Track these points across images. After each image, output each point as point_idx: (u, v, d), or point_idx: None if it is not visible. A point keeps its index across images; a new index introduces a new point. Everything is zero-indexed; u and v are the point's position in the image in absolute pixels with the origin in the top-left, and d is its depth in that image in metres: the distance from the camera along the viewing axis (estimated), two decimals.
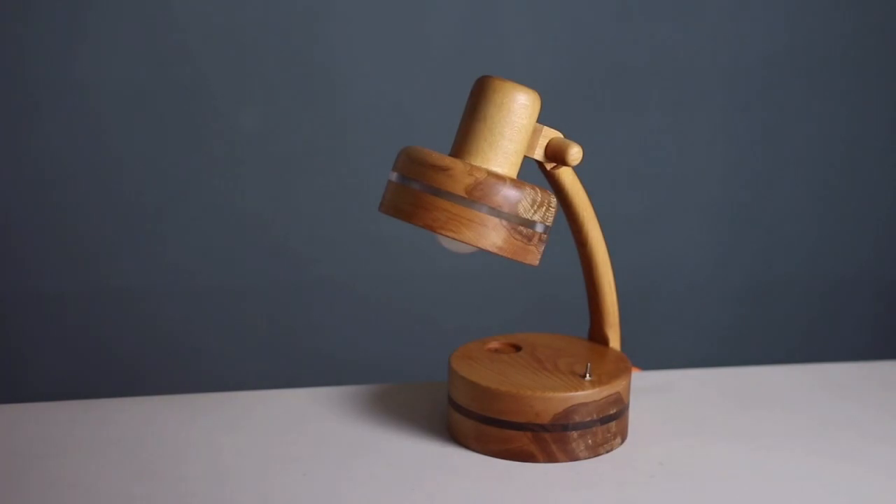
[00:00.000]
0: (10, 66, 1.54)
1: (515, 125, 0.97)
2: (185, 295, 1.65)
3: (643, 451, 1.04)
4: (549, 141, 1.00)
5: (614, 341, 1.11)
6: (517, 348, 1.09)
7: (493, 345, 1.10)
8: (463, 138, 0.97)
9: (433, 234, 0.96)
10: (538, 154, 1.00)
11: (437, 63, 1.61)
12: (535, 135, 0.99)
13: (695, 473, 1.01)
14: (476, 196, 0.93)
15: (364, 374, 1.31)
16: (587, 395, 1.01)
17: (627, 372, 1.05)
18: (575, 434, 1.01)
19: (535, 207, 0.96)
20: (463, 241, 0.94)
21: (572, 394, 1.00)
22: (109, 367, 1.64)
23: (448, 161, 0.94)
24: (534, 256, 0.97)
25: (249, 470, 0.99)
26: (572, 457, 1.01)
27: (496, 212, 0.94)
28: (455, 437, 1.05)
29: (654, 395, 1.15)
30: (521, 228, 0.95)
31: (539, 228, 0.96)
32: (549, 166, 1.01)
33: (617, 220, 1.40)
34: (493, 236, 0.94)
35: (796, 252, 1.79)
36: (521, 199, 0.95)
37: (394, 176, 0.97)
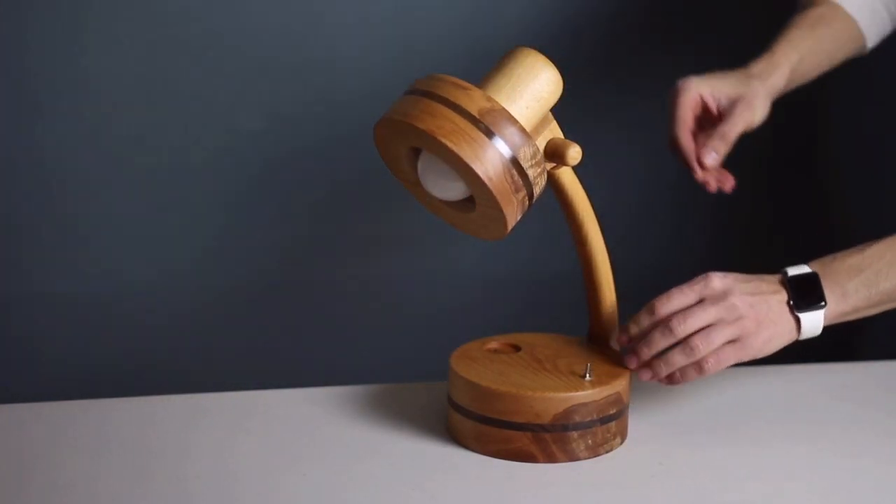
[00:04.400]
0: (10, 65, 1.54)
1: (535, 94, 0.98)
2: (185, 295, 1.65)
3: (643, 451, 1.04)
4: (549, 140, 1.00)
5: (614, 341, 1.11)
6: (517, 348, 1.09)
7: (493, 345, 1.10)
8: (483, 87, 0.98)
9: (430, 209, 0.94)
10: (540, 144, 1.00)
11: (438, 63, 1.61)
12: (544, 121, 1.00)
13: (695, 473, 1.01)
14: (487, 120, 0.94)
15: (364, 374, 1.31)
16: (587, 395, 1.01)
17: (627, 372, 1.05)
18: (575, 434, 1.01)
19: (534, 162, 0.96)
20: (460, 156, 0.93)
21: (572, 394, 1.00)
22: (109, 367, 1.64)
23: (470, 85, 0.95)
24: (512, 211, 0.97)
25: (249, 470, 0.99)
26: (572, 457, 1.01)
27: (499, 143, 0.94)
28: (455, 437, 1.05)
29: (654, 395, 1.15)
30: (515, 174, 0.95)
31: (527, 188, 0.96)
32: (548, 166, 1.01)
33: (617, 220, 1.40)
34: (488, 165, 0.94)
35: (799, 252, 1.79)
36: (524, 146, 0.95)
37: (408, 91, 0.98)
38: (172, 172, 1.61)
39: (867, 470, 1.02)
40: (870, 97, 1.62)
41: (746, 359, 1.02)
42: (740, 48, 1.78)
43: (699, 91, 1.17)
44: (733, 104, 1.17)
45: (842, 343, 1.20)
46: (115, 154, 1.59)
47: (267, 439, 1.05)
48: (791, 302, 1.02)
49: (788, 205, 1.83)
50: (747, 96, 1.17)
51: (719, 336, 1.01)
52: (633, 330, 1.04)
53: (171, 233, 1.63)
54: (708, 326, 1.01)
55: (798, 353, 1.04)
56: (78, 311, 1.63)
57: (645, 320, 1.03)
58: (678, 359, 1.02)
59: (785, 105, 1.75)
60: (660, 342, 1.02)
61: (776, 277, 1.04)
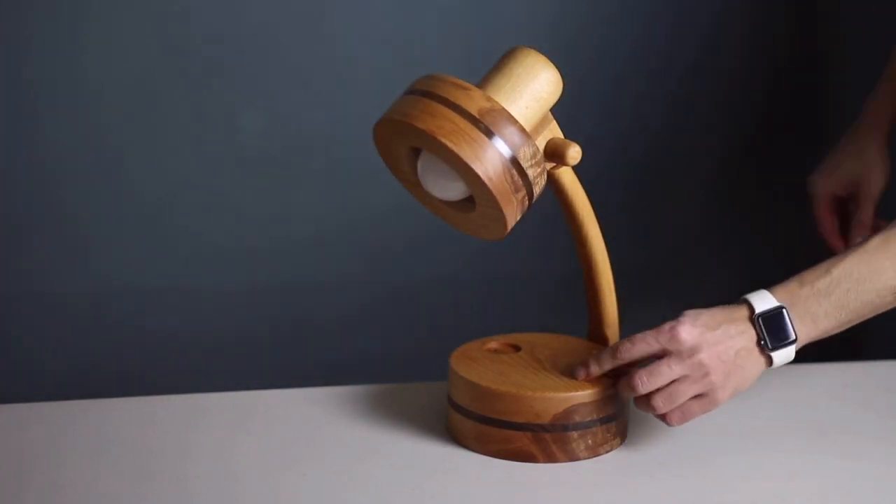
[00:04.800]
0: (10, 65, 1.54)
1: (535, 94, 0.98)
2: (185, 294, 1.65)
3: (643, 451, 1.04)
4: (549, 140, 1.00)
5: (613, 341, 1.11)
6: (517, 348, 1.09)
7: (493, 345, 1.10)
8: (483, 87, 0.98)
9: (428, 201, 0.94)
10: (540, 144, 1.00)
11: (438, 63, 1.60)
12: (544, 121, 1.00)
13: (695, 473, 1.01)
14: (487, 121, 0.94)
15: (364, 374, 1.31)
16: (587, 395, 1.01)
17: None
18: (575, 434, 1.01)
19: (534, 162, 0.96)
20: (460, 156, 0.93)
21: (572, 394, 1.00)
22: (109, 367, 1.64)
23: (469, 85, 0.96)
24: (512, 211, 0.97)
25: (249, 470, 0.99)
26: (572, 457, 1.01)
27: (499, 143, 0.94)
28: (455, 437, 1.05)
29: None
30: (514, 174, 0.95)
31: (527, 188, 0.96)
32: (548, 166, 1.01)
33: (617, 220, 1.40)
34: (488, 165, 0.94)
35: (798, 252, 1.79)
36: (524, 146, 0.95)
37: (407, 91, 0.98)
38: (172, 172, 1.61)
39: (867, 470, 1.02)
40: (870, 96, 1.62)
41: (713, 409, 1.00)
42: (740, 44, 1.77)
43: (829, 192, 1.36)
44: (858, 186, 1.35)
45: (842, 343, 1.20)
46: (115, 154, 1.59)
47: (267, 439, 1.05)
48: (761, 342, 0.99)
49: (789, 205, 1.83)
50: (866, 175, 1.35)
51: (683, 395, 0.98)
52: (594, 370, 1.02)
53: (170, 233, 1.63)
54: (673, 382, 0.98)
55: (798, 352, 1.03)
56: (78, 311, 1.63)
57: (607, 363, 1.02)
58: (642, 408, 1.01)
59: (785, 104, 1.75)
60: (622, 393, 1.02)
61: (744, 313, 1.00)
